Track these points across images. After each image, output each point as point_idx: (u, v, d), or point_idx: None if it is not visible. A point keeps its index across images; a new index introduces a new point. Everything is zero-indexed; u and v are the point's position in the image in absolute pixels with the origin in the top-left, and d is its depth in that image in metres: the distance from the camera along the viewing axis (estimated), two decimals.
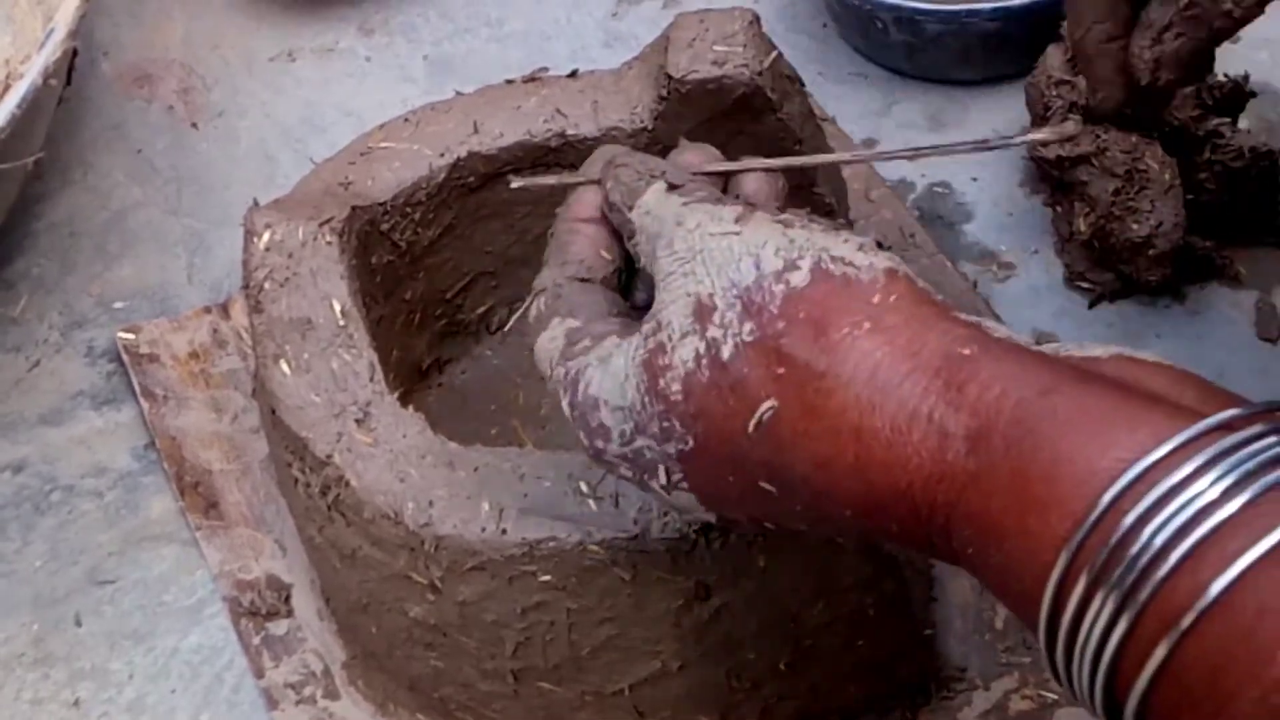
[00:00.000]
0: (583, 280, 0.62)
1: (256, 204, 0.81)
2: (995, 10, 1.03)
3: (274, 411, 0.75)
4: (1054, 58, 0.97)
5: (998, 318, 0.93)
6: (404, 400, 0.75)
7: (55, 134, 1.02)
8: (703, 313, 0.54)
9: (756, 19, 0.84)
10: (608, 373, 0.57)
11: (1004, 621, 0.81)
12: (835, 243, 0.54)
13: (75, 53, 0.94)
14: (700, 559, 0.68)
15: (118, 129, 1.08)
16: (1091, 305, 0.96)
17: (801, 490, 0.53)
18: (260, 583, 0.84)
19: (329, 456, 0.72)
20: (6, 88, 0.92)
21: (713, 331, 0.54)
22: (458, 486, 0.70)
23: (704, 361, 0.54)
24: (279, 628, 0.83)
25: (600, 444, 0.58)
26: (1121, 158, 0.93)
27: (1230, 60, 1.00)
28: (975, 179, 1.02)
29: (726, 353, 0.54)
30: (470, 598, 0.70)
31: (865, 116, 1.06)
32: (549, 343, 0.61)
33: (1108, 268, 0.95)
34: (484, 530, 0.69)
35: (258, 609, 0.83)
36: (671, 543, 0.68)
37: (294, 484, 0.75)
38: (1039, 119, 0.98)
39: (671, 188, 0.60)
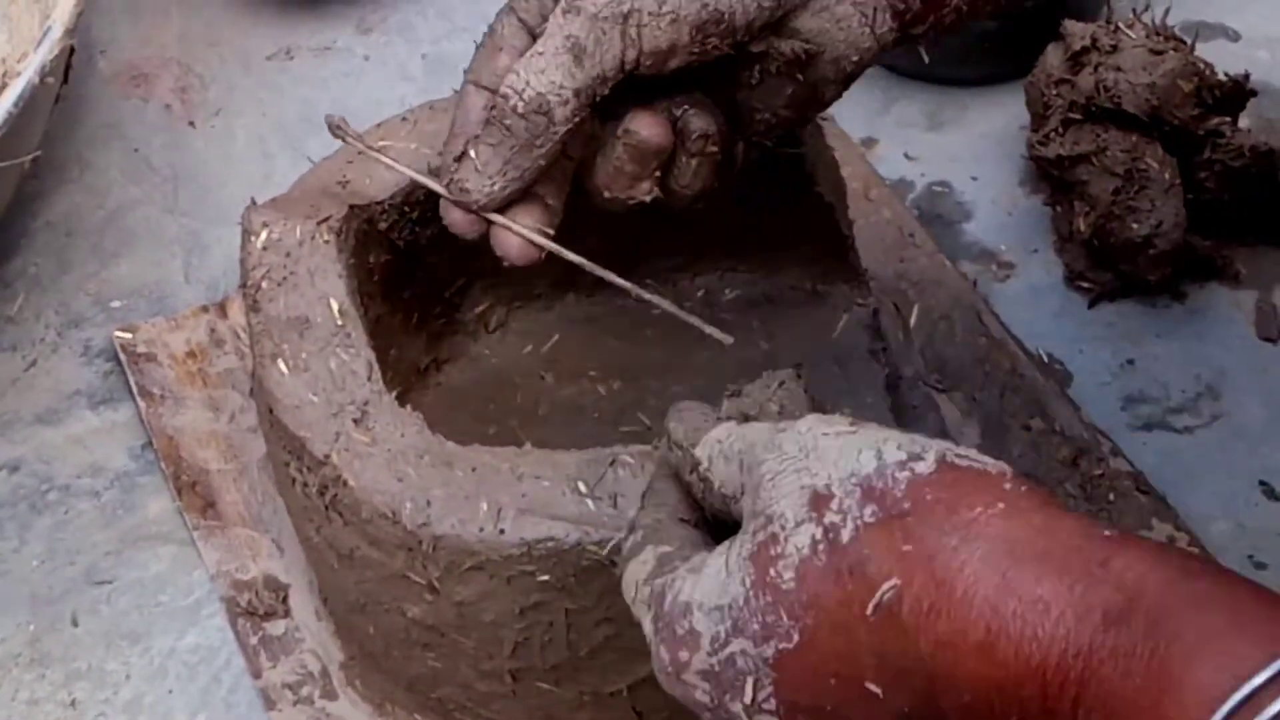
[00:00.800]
0: (681, 520, 0.61)
1: (254, 203, 0.81)
2: None
3: (271, 411, 0.74)
4: (1053, 57, 0.96)
5: (996, 316, 0.93)
6: (402, 400, 0.74)
7: (52, 133, 1.02)
8: (819, 502, 0.53)
9: None
10: (703, 576, 0.56)
11: None
12: (957, 446, 0.54)
13: (72, 51, 0.94)
14: None
15: (114, 128, 1.08)
16: (1091, 305, 0.96)
17: (916, 679, 0.51)
18: (258, 583, 0.84)
19: (327, 456, 0.72)
20: (3, 86, 0.91)
21: (830, 517, 0.53)
22: (456, 486, 0.70)
23: (820, 547, 0.53)
24: (276, 628, 0.83)
25: (685, 655, 0.56)
26: (1121, 157, 0.93)
27: (1231, 59, 1.00)
28: (975, 178, 1.02)
29: (846, 535, 0.52)
30: (468, 598, 0.70)
31: (865, 116, 1.06)
32: (639, 567, 0.60)
33: (1108, 267, 0.95)
34: (482, 530, 0.68)
35: (255, 609, 0.83)
36: None
37: (292, 483, 0.75)
38: (1038, 118, 0.98)
39: (746, 419, 0.60)
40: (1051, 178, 0.97)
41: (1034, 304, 0.95)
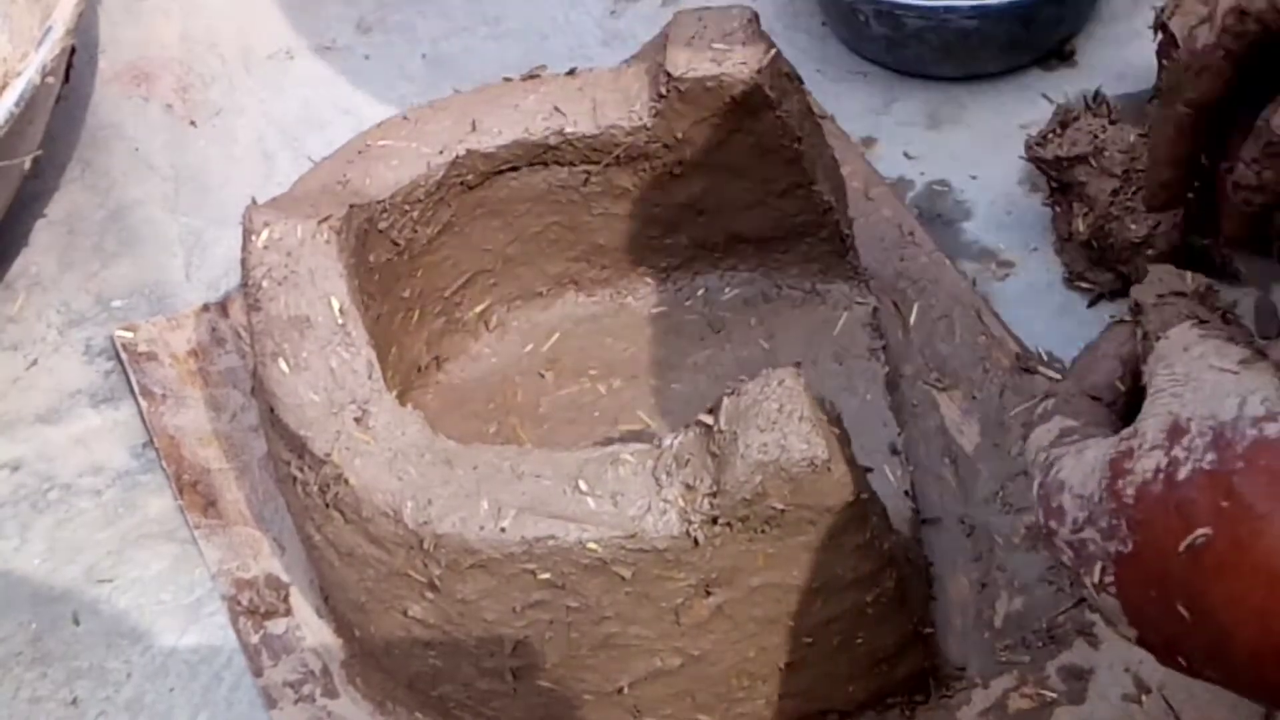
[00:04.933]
0: (1094, 398, 0.65)
1: (255, 202, 0.81)
2: (973, 8, 1.02)
3: (272, 410, 0.75)
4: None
5: (996, 315, 0.93)
6: (402, 398, 0.75)
7: (53, 132, 1.02)
8: (1175, 433, 0.56)
9: (755, 17, 0.84)
10: (1080, 462, 0.60)
11: (1003, 620, 0.81)
12: None
13: (73, 51, 0.95)
14: (700, 557, 0.68)
15: (115, 127, 1.08)
16: (1091, 304, 0.96)
17: (1209, 624, 0.55)
18: (259, 581, 0.84)
19: (328, 455, 0.72)
20: (4, 86, 0.92)
21: (1178, 451, 0.56)
22: (456, 484, 0.70)
23: (1160, 476, 0.56)
24: (277, 626, 0.83)
25: (1054, 525, 0.60)
26: (1119, 158, 0.92)
27: None
28: (974, 177, 1.02)
29: (1183, 474, 0.55)
30: (469, 596, 0.70)
31: (865, 115, 1.06)
32: (1044, 434, 0.64)
33: (1107, 267, 0.95)
34: (483, 528, 0.69)
35: (256, 607, 0.83)
36: (671, 540, 0.68)
37: (293, 482, 0.75)
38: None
39: (1200, 323, 0.63)
40: (1050, 178, 0.98)
41: (1033, 302, 0.95)
